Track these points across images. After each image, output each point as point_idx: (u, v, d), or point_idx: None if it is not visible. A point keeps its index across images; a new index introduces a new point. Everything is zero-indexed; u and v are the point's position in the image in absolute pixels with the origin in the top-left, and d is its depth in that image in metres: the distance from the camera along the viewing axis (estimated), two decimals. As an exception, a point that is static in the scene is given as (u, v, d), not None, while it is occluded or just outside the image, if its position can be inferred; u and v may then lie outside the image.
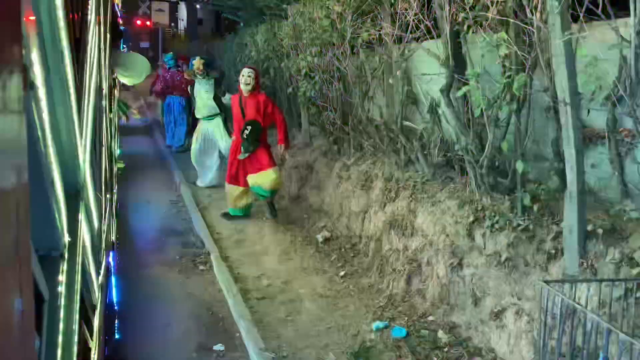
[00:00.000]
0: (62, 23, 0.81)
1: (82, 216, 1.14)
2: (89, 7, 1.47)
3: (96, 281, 1.62)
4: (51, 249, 0.82)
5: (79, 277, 0.99)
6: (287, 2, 6.99)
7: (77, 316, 0.95)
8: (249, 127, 5.86)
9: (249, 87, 5.91)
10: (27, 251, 0.59)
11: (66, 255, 0.88)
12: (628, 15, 2.77)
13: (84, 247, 1.20)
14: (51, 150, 0.70)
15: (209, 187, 7.54)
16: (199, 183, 7.68)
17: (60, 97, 0.82)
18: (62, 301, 0.83)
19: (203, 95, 7.48)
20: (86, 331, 1.29)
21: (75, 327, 0.94)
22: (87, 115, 1.25)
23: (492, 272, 3.50)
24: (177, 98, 9.73)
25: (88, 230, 1.30)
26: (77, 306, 0.95)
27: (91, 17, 1.50)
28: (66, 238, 0.89)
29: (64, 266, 0.87)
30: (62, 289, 0.84)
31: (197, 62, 7.54)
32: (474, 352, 3.46)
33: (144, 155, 10.00)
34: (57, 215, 0.80)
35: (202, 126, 7.58)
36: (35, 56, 0.56)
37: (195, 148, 7.54)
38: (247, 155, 5.94)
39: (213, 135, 7.53)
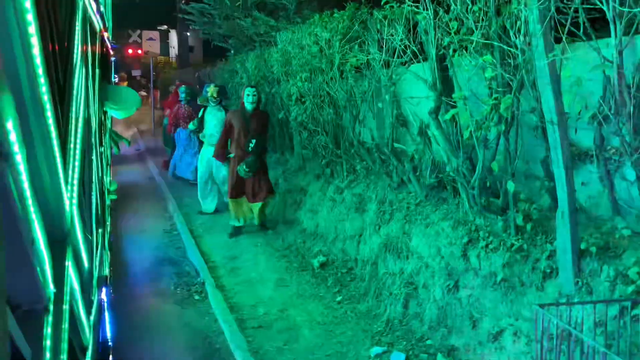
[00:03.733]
0: (40, 70, 0.81)
1: (69, 262, 1.13)
2: (75, 44, 1.47)
3: (87, 322, 1.60)
4: (34, 302, 0.81)
5: (66, 326, 0.98)
6: (276, 30, 7.09)
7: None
8: (254, 141, 6.28)
9: (254, 105, 6.36)
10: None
11: (51, 308, 0.87)
12: (609, 35, 2.82)
13: (72, 291, 1.19)
14: (31, 208, 0.70)
15: (210, 214, 7.58)
16: (205, 209, 7.68)
17: (42, 151, 0.82)
18: (48, 355, 0.82)
19: (214, 121, 7.46)
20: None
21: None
22: (74, 158, 1.25)
23: (488, 293, 3.49)
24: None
25: (76, 274, 1.29)
26: (64, 357, 0.94)
27: (77, 56, 1.51)
28: (51, 289, 0.89)
29: (49, 318, 0.86)
30: (48, 342, 0.83)
31: (211, 89, 7.59)
32: (474, 375, 3.42)
33: (137, 184, 9.98)
34: (40, 268, 0.79)
35: (207, 151, 7.54)
36: (10, 125, 0.56)
37: (202, 171, 7.60)
38: (250, 175, 6.31)
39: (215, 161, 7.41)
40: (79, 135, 1.34)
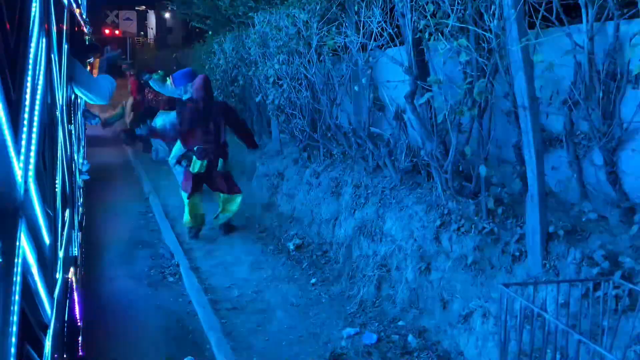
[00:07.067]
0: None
1: (23, 234, 1.10)
2: (30, 10, 1.42)
3: (48, 299, 1.57)
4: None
5: (16, 299, 0.96)
6: (254, 10, 6.98)
7: (13, 340, 0.92)
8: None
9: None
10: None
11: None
12: (581, 22, 2.85)
13: (26, 265, 1.17)
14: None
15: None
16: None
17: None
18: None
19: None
20: (33, 353, 1.25)
21: (12, 350, 0.91)
22: (29, 129, 1.21)
23: (459, 276, 3.54)
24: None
25: (34, 248, 1.26)
26: (13, 329, 0.92)
27: (35, 25, 1.46)
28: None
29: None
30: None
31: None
32: (444, 355, 3.48)
33: (113, 166, 9.83)
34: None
35: None
36: None
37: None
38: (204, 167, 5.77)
39: None
40: (37, 106, 1.30)
